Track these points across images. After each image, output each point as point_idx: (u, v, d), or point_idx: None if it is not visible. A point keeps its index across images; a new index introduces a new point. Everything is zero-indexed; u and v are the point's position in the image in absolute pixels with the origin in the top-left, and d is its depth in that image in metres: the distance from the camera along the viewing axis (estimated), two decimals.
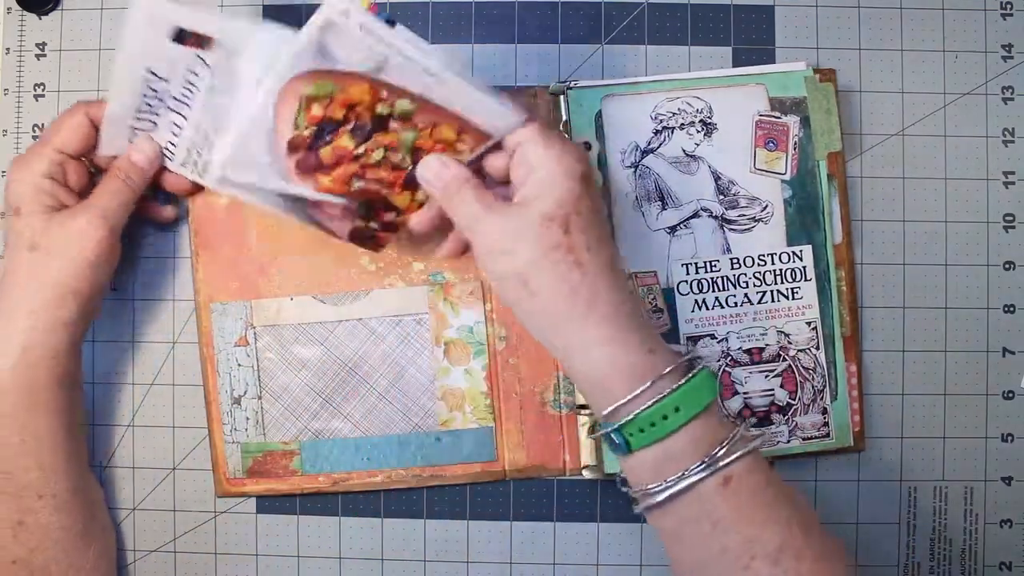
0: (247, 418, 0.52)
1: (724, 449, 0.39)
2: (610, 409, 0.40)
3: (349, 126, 0.44)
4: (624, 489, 0.43)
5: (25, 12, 0.54)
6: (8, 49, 0.54)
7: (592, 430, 0.50)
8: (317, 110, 0.44)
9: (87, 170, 0.49)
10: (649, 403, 0.39)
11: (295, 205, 0.46)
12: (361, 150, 0.45)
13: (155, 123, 0.48)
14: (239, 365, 0.52)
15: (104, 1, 0.54)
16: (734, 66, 0.53)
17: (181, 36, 0.45)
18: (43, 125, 0.54)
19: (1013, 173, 0.53)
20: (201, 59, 0.46)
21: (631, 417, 0.40)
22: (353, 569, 0.53)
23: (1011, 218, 0.53)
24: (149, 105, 0.47)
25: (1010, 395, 0.53)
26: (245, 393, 0.52)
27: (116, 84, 0.46)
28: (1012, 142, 0.53)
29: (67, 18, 0.54)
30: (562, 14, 0.54)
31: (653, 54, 0.53)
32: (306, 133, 0.44)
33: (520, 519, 0.53)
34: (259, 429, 0.52)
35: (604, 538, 0.53)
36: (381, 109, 0.44)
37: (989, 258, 0.53)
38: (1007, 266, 0.53)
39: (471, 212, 0.42)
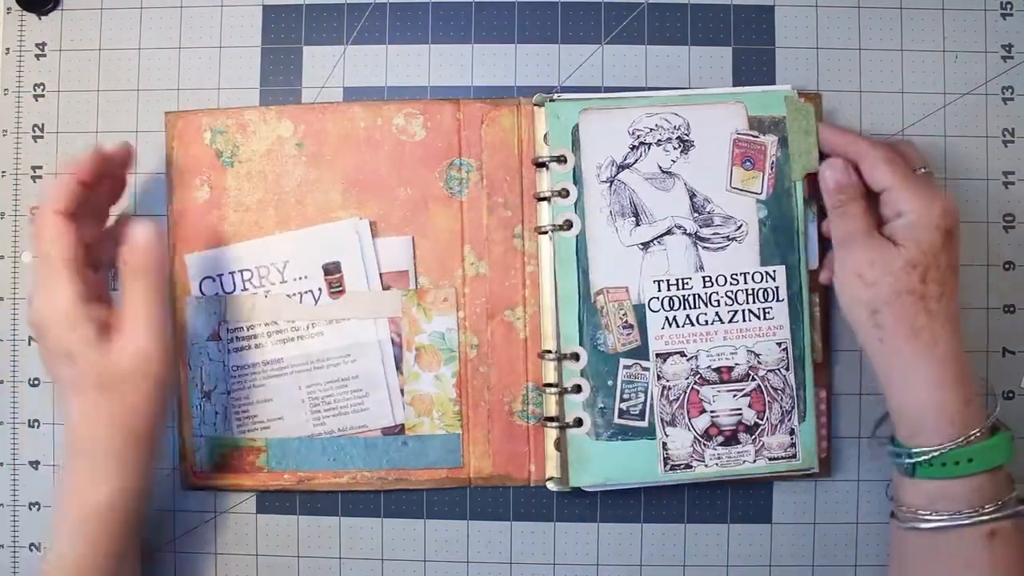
0: (216, 413, 0.52)
1: (998, 505, 0.43)
2: (912, 439, 0.45)
3: None
4: (893, 505, 0.47)
5: (25, 12, 0.54)
6: (8, 49, 0.54)
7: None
8: None
9: (87, 255, 0.45)
10: (949, 447, 0.43)
11: None
12: None
13: None
14: (210, 360, 0.52)
15: (104, 1, 0.54)
16: (734, 66, 0.53)
17: (330, 269, 0.52)
18: (43, 126, 0.54)
19: (1013, 173, 0.53)
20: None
21: (929, 455, 0.44)
22: (353, 569, 0.53)
23: (1011, 218, 0.53)
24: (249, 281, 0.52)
25: (1010, 395, 0.53)
26: (215, 388, 0.52)
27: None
28: (1012, 142, 0.53)
29: (67, 18, 0.54)
30: (562, 14, 0.54)
31: (653, 54, 0.53)
32: None
33: (521, 519, 0.53)
34: (227, 424, 0.52)
35: (605, 538, 0.53)
36: None
37: (989, 258, 0.53)
38: (1007, 266, 0.53)
39: (853, 229, 0.46)
